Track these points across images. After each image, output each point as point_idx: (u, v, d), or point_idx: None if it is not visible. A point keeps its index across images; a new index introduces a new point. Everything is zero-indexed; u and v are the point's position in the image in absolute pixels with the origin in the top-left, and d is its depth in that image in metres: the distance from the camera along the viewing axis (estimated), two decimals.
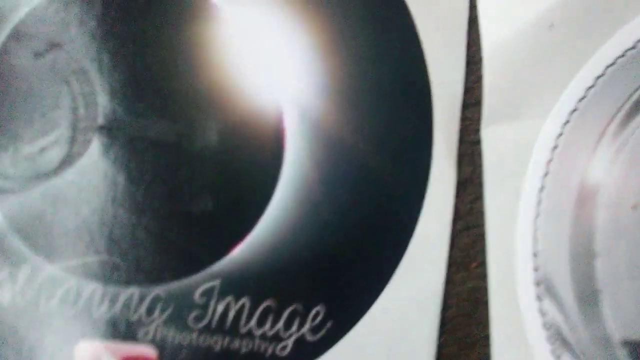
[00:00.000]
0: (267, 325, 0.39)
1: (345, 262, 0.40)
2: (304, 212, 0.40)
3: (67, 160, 0.40)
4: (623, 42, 0.38)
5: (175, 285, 0.39)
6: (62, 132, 0.40)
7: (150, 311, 0.39)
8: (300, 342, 0.39)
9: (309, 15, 0.40)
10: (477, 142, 0.40)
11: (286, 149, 0.40)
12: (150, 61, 0.40)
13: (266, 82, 0.40)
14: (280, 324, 0.39)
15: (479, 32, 0.40)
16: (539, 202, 0.38)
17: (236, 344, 0.39)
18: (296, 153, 0.40)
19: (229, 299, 0.39)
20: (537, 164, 0.39)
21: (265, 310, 0.39)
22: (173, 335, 0.39)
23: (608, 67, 0.38)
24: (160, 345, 0.39)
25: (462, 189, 0.40)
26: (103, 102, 0.40)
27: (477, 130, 0.40)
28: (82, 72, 0.40)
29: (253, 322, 0.39)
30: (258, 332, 0.39)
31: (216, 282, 0.39)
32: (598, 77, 0.38)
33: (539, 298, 0.38)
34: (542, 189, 0.38)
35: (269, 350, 0.39)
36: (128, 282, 0.39)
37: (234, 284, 0.39)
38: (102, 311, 0.39)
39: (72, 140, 0.40)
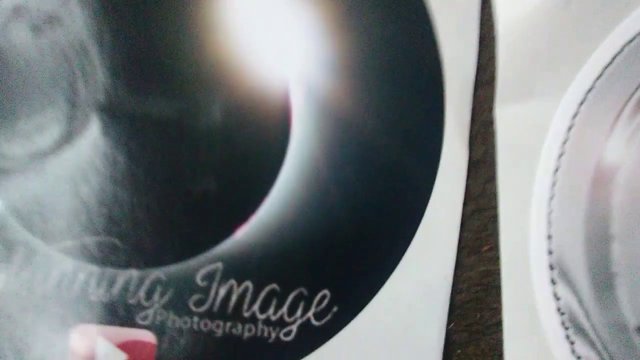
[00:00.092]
0: (271, 310, 0.39)
1: (352, 245, 0.40)
2: (310, 193, 0.40)
3: (66, 138, 0.40)
4: None
5: (175, 268, 0.39)
6: (60, 108, 0.40)
7: (149, 294, 0.39)
8: (305, 327, 0.39)
9: None
10: (490, 122, 0.40)
11: (293, 128, 0.40)
12: (152, 37, 0.40)
13: (272, 58, 0.40)
14: (285, 309, 0.39)
15: (492, 9, 0.40)
16: (554, 184, 0.38)
17: (239, 328, 0.39)
18: (303, 132, 0.40)
19: (232, 282, 0.39)
20: (552, 144, 0.39)
21: (268, 294, 0.39)
22: (173, 320, 0.39)
23: (625, 44, 0.38)
24: (160, 330, 0.39)
25: (474, 170, 0.40)
26: (103, 79, 0.40)
27: (489, 110, 0.40)
28: (82, 48, 0.40)
29: (256, 306, 0.39)
30: (261, 317, 0.39)
31: (218, 265, 0.39)
32: (615, 55, 0.38)
33: (552, 282, 0.38)
34: (557, 170, 0.38)
35: (273, 335, 0.39)
36: (127, 264, 0.39)
37: (236, 267, 0.39)
38: (99, 294, 0.39)
39: (71, 118, 0.40)
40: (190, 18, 0.40)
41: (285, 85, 0.40)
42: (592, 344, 0.37)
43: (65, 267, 0.39)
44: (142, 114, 0.40)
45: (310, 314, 0.39)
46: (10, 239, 0.40)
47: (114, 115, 0.40)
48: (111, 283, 0.39)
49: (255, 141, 0.40)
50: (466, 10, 0.40)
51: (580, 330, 0.37)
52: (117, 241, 0.39)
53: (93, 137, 0.40)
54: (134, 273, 0.39)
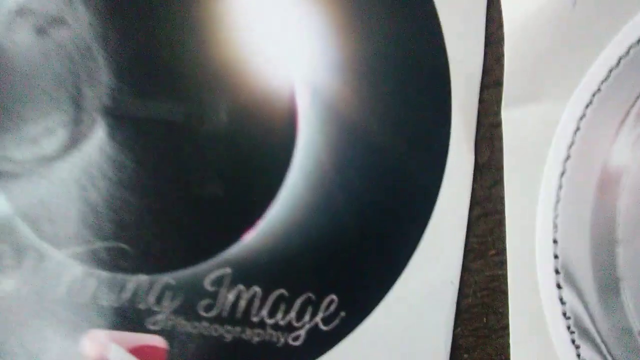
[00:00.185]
0: (279, 315, 0.40)
1: (359, 249, 0.41)
2: (317, 198, 0.40)
3: (72, 143, 0.41)
4: None
5: (184, 273, 0.41)
6: (66, 112, 0.41)
7: (159, 300, 0.40)
8: (313, 331, 0.40)
9: None
10: (497, 125, 0.40)
11: (299, 130, 0.41)
12: (157, 39, 0.41)
13: (278, 60, 0.41)
14: (293, 314, 0.40)
15: (499, 11, 0.40)
16: (560, 187, 0.39)
17: (247, 333, 0.40)
18: (309, 135, 0.41)
19: (240, 287, 0.40)
20: (559, 147, 0.39)
21: (277, 299, 0.40)
22: (183, 325, 0.40)
23: (631, 47, 0.39)
24: (170, 335, 0.40)
25: (481, 173, 0.41)
26: (109, 82, 0.41)
27: (496, 112, 0.41)
28: (88, 50, 0.41)
29: (265, 311, 0.40)
30: (270, 322, 0.40)
31: (227, 270, 0.40)
32: (621, 58, 0.39)
33: (558, 286, 0.39)
34: (563, 173, 0.39)
35: (282, 340, 0.40)
36: (136, 270, 0.41)
37: (244, 272, 0.41)
38: (109, 299, 0.41)
39: (77, 121, 0.41)
40: (195, 21, 0.41)
41: (291, 88, 0.41)
42: (597, 348, 0.38)
43: (75, 273, 0.41)
44: (149, 117, 0.41)
45: (318, 318, 0.40)
46: (20, 244, 0.41)
47: (120, 118, 0.41)
48: (121, 288, 0.40)
49: (262, 144, 0.41)
50: (473, 13, 0.41)
51: (585, 334, 0.39)
52: (126, 246, 0.41)
53: (100, 141, 0.41)
54: (143, 278, 0.40)
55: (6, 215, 0.41)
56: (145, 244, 0.41)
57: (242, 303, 0.40)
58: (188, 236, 0.41)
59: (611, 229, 0.39)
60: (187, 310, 0.40)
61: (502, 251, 0.40)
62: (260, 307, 0.40)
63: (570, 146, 0.39)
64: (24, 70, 0.41)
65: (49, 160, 0.41)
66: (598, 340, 0.38)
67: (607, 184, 0.39)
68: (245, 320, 0.40)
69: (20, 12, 0.41)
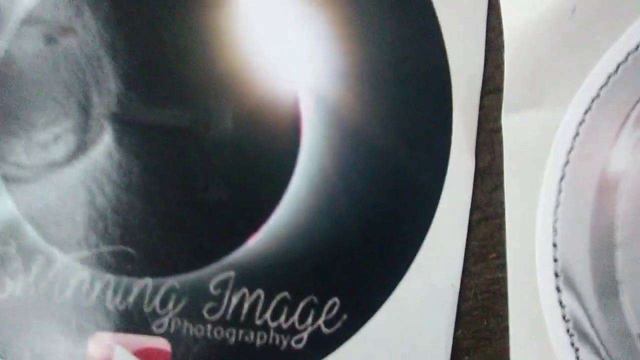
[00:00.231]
0: (282, 318, 0.41)
1: (362, 253, 0.41)
2: (320, 201, 0.41)
3: (80, 149, 0.41)
4: None
5: (189, 277, 0.41)
6: (75, 119, 0.41)
7: (164, 303, 0.41)
8: (315, 334, 0.41)
9: (327, 0, 0.42)
10: (497, 130, 0.41)
11: (302, 136, 0.41)
12: (165, 47, 0.42)
13: (282, 67, 0.42)
14: (296, 317, 0.41)
15: (499, 18, 0.41)
16: (559, 192, 0.39)
17: (251, 336, 0.41)
18: (312, 140, 0.41)
19: (244, 290, 0.41)
20: (558, 152, 0.40)
21: (280, 303, 0.41)
22: (187, 328, 0.41)
23: (630, 53, 0.39)
24: (175, 338, 0.41)
25: (481, 178, 0.41)
26: (117, 89, 0.42)
27: (496, 118, 0.41)
28: (96, 58, 0.42)
29: (268, 314, 0.41)
30: (273, 325, 0.41)
31: (231, 274, 0.41)
32: (620, 64, 0.39)
33: (558, 289, 0.39)
34: (562, 178, 0.39)
35: (284, 343, 0.41)
36: (142, 273, 0.41)
37: (248, 276, 0.41)
38: (115, 303, 0.41)
39: (85, 128, 0.42)
40: (201, 29, 0.42)
41: (294, 94, 0.41)
42: (596, 351, 0.39)
43: (82, 276, 0.41)
44: (155, 124, 0.41)
45: (320, 321, 0.41)
46: (28, 248, 0.41)
47: (127, 125, 0.41)
48: (127, 292, 0.41)
49: (266, 149, 0.41)
50: (473, 20, 0.41)
51: (584, 337, 0.39)
52: (132, 250, 0.41)
53: (107, 146, 0.41)
54: (149, 282, 0.41)
55: (14, 219, 0.41)
56: (150, 248, 0.41)
57: (246, 306, 0.41)
58: (193, 240, 0.41)
59: (610, 232, 0.39)
60: (191, 313, 0.41)
61: (502, 254, 0.41)
62: (264, 310, 0.41)
63: (569, 151, 0.40)
64: (34, 77, 0.42)
65: (57, 165, 0.42)
66: (597, 343, 0.39)
67: (606, 189, 0.39)
68: (248, 323, 0.41)
69: (30, 21, 0.42)
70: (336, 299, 0.41)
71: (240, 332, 0.41)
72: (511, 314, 0.40)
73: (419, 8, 0.41)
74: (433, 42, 0.41)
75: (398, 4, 0.42)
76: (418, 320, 0.41)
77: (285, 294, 0.41)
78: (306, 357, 0.41)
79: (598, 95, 0.39)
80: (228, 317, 0.41)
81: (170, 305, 0.41)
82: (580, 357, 0.39)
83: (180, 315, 0.41)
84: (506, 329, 0.40)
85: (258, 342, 0.41)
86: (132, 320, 0.41)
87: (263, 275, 0.41)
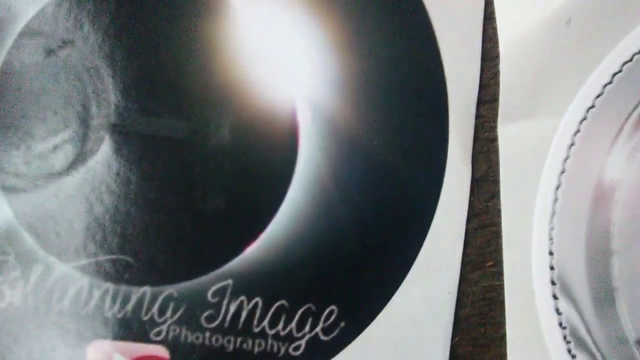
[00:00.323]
0: (280, 325, 0.41)
1: (359, 261, 0.41)
2: (318, 211, 0.41)
3: (80, 159, 0.41)
4: None
5: (187, 285, 0.41)
6: (74, 130, 0.41)
7: (162, 311, 0.41)
8: (313, 342, 0.41)
9: (323, 11, 0.42)
10: (493, 140, 0.41)
11: (300, 146, 0.41)
12: (163, 58, 0.42)
13: (279, 78, 0.42)
14: (293, 324, 0.41)
15: (495, 29, 0.41)
16: (555, 200, 0.40)
17: (249, 344, 0.41)
18: (309, 150, 0.41)
19: (242, 298, 0.41)
20: (554, 161, 0.40)
21: (278, 310, 0.41)
22: (185, 335, 0.41)
23: (625, 63, 0.39)
24: (173, 346, 0.41)
25: (477, 186, 0.41)
26: (115, 100, 0.42)
27: (492, 128, 0.41)
28: (95, 70, 0.42)
29: (266, 321, 0.41)
30: (271, 332, 0.41)
31: (229, 282, 0.41)
32: (615, 74, 0.39)
33: (554, 297, 0.39)
34: (558, 186, 0.40)
35: (282, 350, 0.41)
36: (140, 282, 0.41)
37: (246, 284, 0.41)
38: (114, 311, 0.41)
39: (84, 138, 0.41)
40: (199, 40, 0.42)
41: (292, 105, 0.41)
42: (593, 358, 0.39)
43: (81, 285, 0.41)
44: (154, 134, 0.41)
45: (318, 329, 0.41)
46: (27, 257, 0.41)
47: (126, 135, 0.41)
48: (126, 300, 0.41)
49: (264, 159, 0.41)
50: (469, 30, 0.41)
51: (581, 344, 0.39)
52: (130, 259, 0.41)
53: (106, 156, 0.41)
54: (147, 290, 0.41)
55: (13, 228, 0.41)
56: (149, 257, 0.41)
57: (244, 314, 0.41)
58: (191, 249, 0.41)
59: (606, 240, 0.39)
60: (189, 321, 0.41)
61: (499, 262, 0.41)
62: (262, 318, 0.41)
63: (565, 160, 0.40)
64: (33, 89, 0.42)
65: (56, 175, 0.41)
66: (594, 350, 0.39)
67: (601, 197, 0.39)
68: (246, 331, 0.41)
69: (29, 33, 0.42)
70: (334, 307, 0.41)
71: (239, 339, 0.41)
72: (508, 322, 0.40)
73: (415, 19, 0.42)
74: (429, 53, 0.41)
75: (394, 14, 0.42)
76: (415, 328, 0.41)
77: (283, 301, 0.41)
78: None
79: (593, 105, 0.40)
80: (226, 324, 0.41)
81: (169, 313, 0.41)
82: None
83: (178, 322, 0.41)
84: (503, 336, 0.40)
85: (256, 349, 0.41)
86: (131, 328, 0.41)
87: (261, 283, 0.41)
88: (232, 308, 0.41)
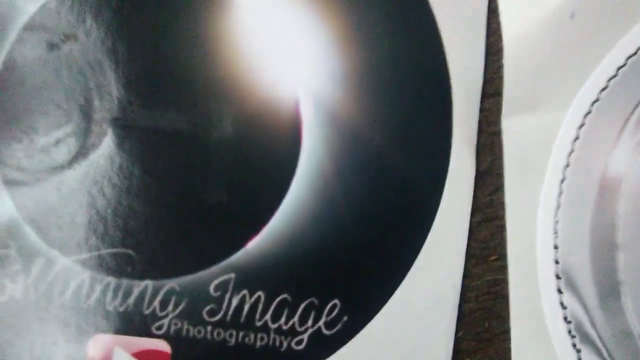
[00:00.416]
0: (283, 319, 0.40)
1: (362, 255, 0.40)
2: (321, 204, 0.41)
3: (82, 153, 0.41)
4: None
5: (189, 279, 0.40)
6: (76, 124, 0.41)
7: (164, 305, 0.40)
8: (316, 336, 0.40)
9: (326, 4, 0.41)
10: (497, 133, 0.41)
11: (302, 140, 0.41)
12: (165, 52, 0.41)
13: (282, 71, 0.41)
14: (296, 318, 0.40)
15: (499, 22, 0.41)
16: (560, 194, 0.39)
17: (251, 338, 0.40)
18: (312, 144, 0.41)
19: (244, 292, 0.40)
20: (558, 155, 0.39)
21: (280, 304, 0.40)
22: (187, 329, 0.40)
23: (629, 57, 0.39)
24: (174, 340, 0.40)
25: (482, 180, 0.41)
26: (118, 94, 0.41)
27: (496, 121, 0.41)
28: (97, 64, 0.41)
29: (268, 315, 0.40)
30: (273, 326, 0.40)
31: (231, 275, 0.40)
32: (619, 67, 0.39)
33: (559, 291, 0.39)
34: (563, 180, 0.39)
35: (285, 345, 0.40)
36: (142, 275, 0.41)
37: (249, 278, 0.40)
38: (115, 305, 0.40)
39: (87, 132, 0.41)
40: (201, 33, 0.41)
41: (295, 98, 0.41)
42: (598, 352, 0.38)
43: (82, 278, 0.40)
44: (156, 128, 0.41)
45: (321, 323, 0.40)
46: (29, 251, 0.41)
47: (129, 129, 0.41)
48: (127, 294, 0.40)
49: (266, 153, 0.41)
50: (473, 23, 0.41)
51: (586, 338, 0.38)
52: (132, 253, 0.41)
53: (108, 150, 0.41)
54: (149, 284, 0.40)
55: (15, 221, 0.41)
56: (151, 251, 0.41)
57: (246, 308, 0.40)
58: (193, 243, 0.41)
59: (611, 233, 0.39)
60: (191, 314, 0.40)
61: (503, 256, 0.40)
62: (264, 312, 0.40)
63: (569, 154, 0.39)
64: (36, 83, 0.41)
65: (58, 169, 0.41)
66: (599, 344, 0.38)
67: (606, 190, 0.39)
68: (248, 325, 0.40)
69: (32, 27, 0.42)
70: (337, 301, 0.40)
71: (241, 333, 0.40)
72: (512, 316, 0.40)
73: (418, 12, 0.41)
74: (433, 46, 0.41)
75: (398, 8, 0.41)
76: (419, 322, 0.40)
77: (286, 295, 0.40)
78: (307, 358, 0.40)
79: (598, 99, 0.39)
80: (228, 318, 0.40)
81: (170, 307, 0.40)
82: (582, 359, 0.38)
83: (180, 317, 0.40)
84: (507, 331, 0.40)
85: (258, 343, 0.40)
86: (132, 322, 0.40)
87: (263, 277, 0.40)
88: (234, 302, 0.40)
